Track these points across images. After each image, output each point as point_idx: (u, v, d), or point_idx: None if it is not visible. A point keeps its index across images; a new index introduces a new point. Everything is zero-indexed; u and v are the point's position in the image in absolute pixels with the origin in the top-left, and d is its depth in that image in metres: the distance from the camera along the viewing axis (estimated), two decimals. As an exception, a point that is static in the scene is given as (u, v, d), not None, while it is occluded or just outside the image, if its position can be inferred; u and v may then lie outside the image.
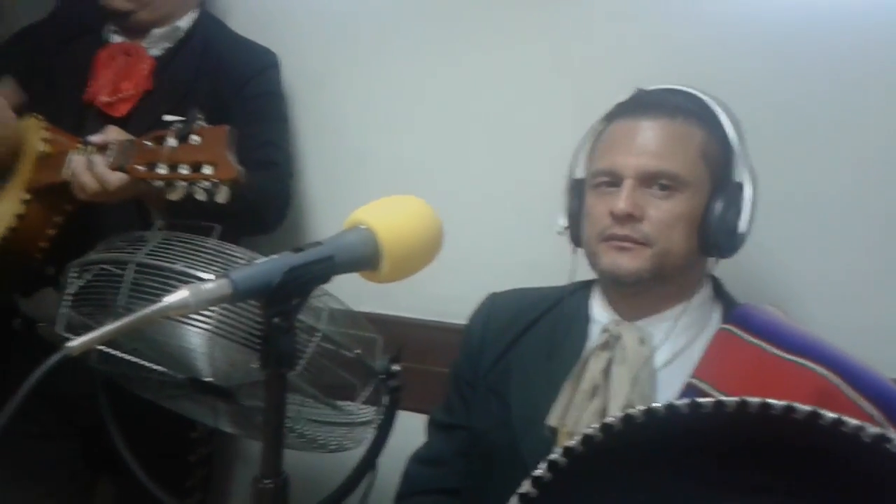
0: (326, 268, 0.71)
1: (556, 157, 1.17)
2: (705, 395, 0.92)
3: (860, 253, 1.28)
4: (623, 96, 1.10)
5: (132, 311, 1.03)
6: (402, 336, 1.21)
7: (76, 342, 0.59)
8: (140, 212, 1.31)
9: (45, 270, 1.30)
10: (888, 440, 0.59)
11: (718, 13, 1.35)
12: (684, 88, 1.07)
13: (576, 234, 1.11)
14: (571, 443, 0.66)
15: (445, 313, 1.50)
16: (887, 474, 0.60)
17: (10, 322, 1.44)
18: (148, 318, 0.62)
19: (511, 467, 0.99)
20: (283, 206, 1.51)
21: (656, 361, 1.03)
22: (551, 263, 1.15)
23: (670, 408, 0.64)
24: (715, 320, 1.07)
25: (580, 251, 1.11)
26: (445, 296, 1.46)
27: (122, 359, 1.10)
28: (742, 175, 1.03)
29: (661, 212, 1.01)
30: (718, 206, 1.02)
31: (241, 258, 1.06)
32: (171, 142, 1.07)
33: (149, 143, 1.10)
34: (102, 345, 1.09)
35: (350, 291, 1.05)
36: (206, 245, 1.07)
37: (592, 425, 0.66)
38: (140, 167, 1.09)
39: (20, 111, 1.37)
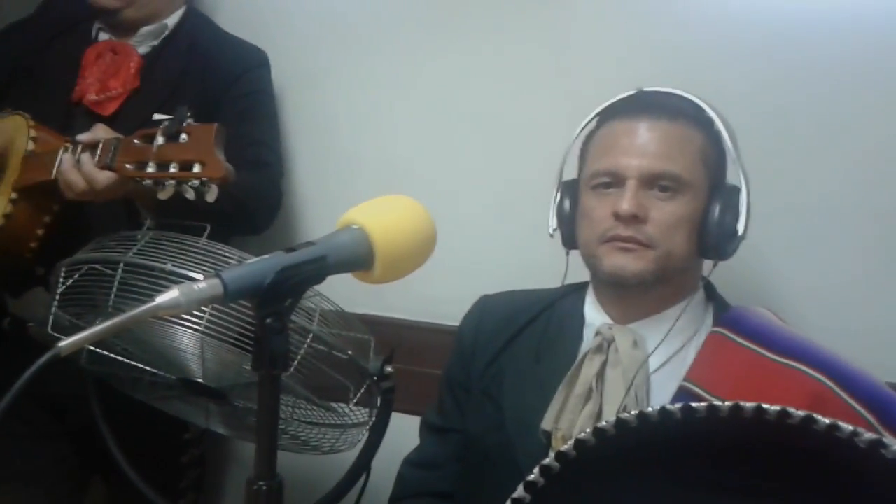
0: (319, 268, 0.71)
1: (547, 159, 1.17)
2: (698, 398, 0.92)
3: (854, 256, 1.28)
4: (618, 96, 1.10)
5: (122, 311, 1.03)
6: (393, 337, 1.21)
7: (66, 342, 0.58)
8: (129, 211, 1.29)
9: (35, 270, 1.29)
10: (884, 446, 0.59)
11: (712, 16, 1.35)
12: (680, 92, 1.07)
13: (568, 235, 1.11)
14: (564, 448, 0.66)
15: (437, 314, 1.50)
16: (881, 479, 0.60)
17: (-1, 322, 1.43)
18: (138, 317, 0.61)
19: (505, 471, 0.99)
20: (273, 205, 1.50)
21: (650, 365, 1.02)
22: (543, 265, 1.15)
23: (664, 412, 0.64)
24: (707, 323, 1.07)
25: (573, 253, 1.10)
26: (437, 297, 1.46)
27: (112, 359, 1.09)
28: (737, 178, 1.04)
29: (664, 213, 1.00)
30: (717, 209, 1.02)
31: (231, 258, 1.06)
32: (160, 140, 1.06)
33: (137, 142, 1.09)
34: (93, 345, 1.09)
35: (342, 292, 1.04)
36: (197, 245, 1.07)
37: (586, 430, 0.66)
38: (128, 166, 1.08)
39: None
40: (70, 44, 1.48)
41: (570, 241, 1.11)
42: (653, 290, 1.03)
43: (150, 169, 1.05)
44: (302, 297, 0.73)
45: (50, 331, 1.12)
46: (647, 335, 1.04)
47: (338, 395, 1.11)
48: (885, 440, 0.60)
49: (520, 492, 0.67)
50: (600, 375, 1.01)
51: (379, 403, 1.01)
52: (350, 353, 1.06)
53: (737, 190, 1.03)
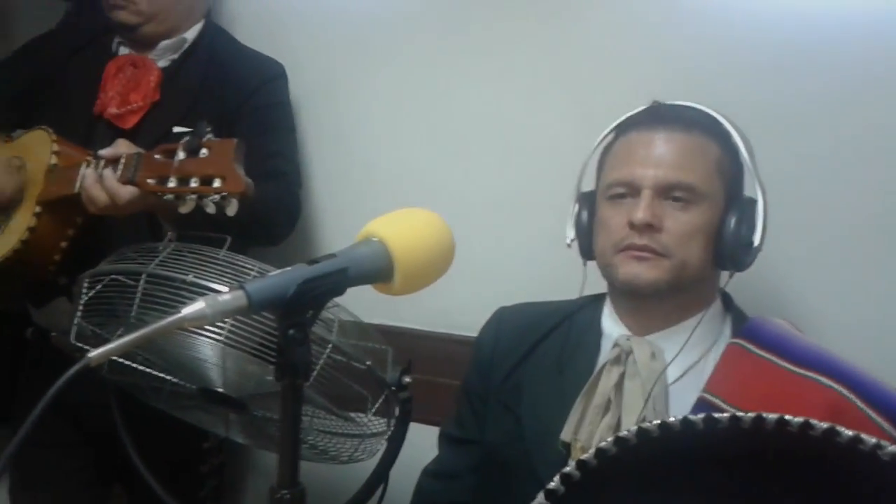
0: (340, 280, 0.72)
1: (562, 168, 1.17)
2: (717, 409, 0.92)
3: (873, 268, 1.27)
4: (636, 109, 1.11)
5: (143, 322, 1.04)
6: (409, 348, 1.22)
7: (96, 352, 0.59)
8: (151, 223, 1.31)
9: (58, 281, 1.31)
10: (908, 458, 0.59)
11: (725, 27, 1.35)
12: (696, 105, 1.08)
13: (586, 247, 1.11)
14: (585, 456, 0.66)
15: (452, 325, 1.51)
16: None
17: (22, 332, 1.45)
18: (165, 328, 0.62)
19: (524, 482, 0.99)
20: (292, 216, 1.51)
21: (668, 376, 1.03)
22: (558, 274, 1.16)
23: (686, 422, 0.64)
24: (726, 334, 1.07)
25: (591, 264, 1.11)
26: (451, 307, 1.46)
27: (133, 369, 1.11)
28: (754, 190, 1.04)
29: (679, 223, 1.01)
30: (733, 220, 1.02)
31: (251, 269, 1.07)
32: (181, 155, 1.07)
33: (158, 157, 1.11)
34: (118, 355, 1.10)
35: (359, 303, 1.05)
36: (217, 256, 1.08)
37: (607, 439, 0.66)
38: (150, 180, 1.10)
39: None
40: (90, 58, 1.51)
41: (587, 253, 1.12)
42: (669, 300, 1.04)
43: (172, 183, 1.07)
44: (324, 308, 0.74)
45: (73, 340, 1.14)
46: (665, 346, 1.04)
47: (355, 405, 1.12)
48: (909, 453, 0.60)
49: (540, 499, 0.67)
50: (619, 387, 1.02)
51: (397, 413, 1.02)
52: (368, 363, 1.06)
53: (754, 201, 1.04)
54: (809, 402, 0.91)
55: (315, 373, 1.03)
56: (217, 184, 1.03)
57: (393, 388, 1.01)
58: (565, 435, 1.03)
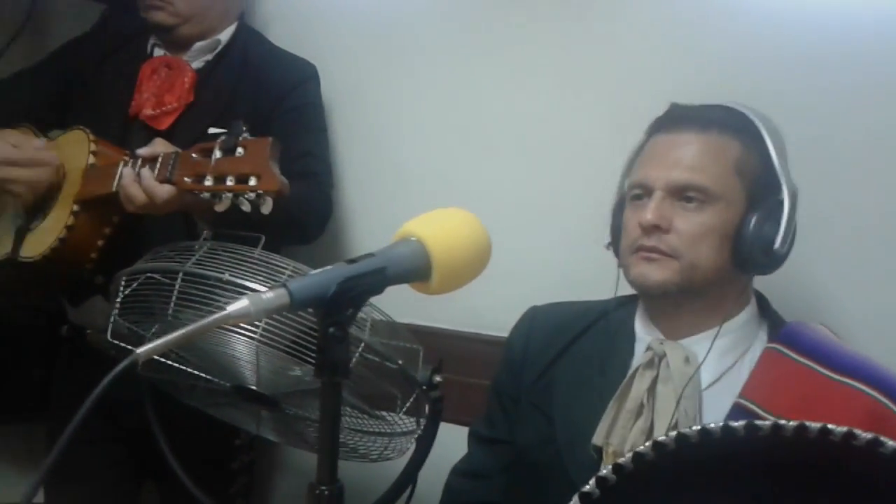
0: (379, 279, 0.73)
1: (592, 168, 1.18)
2: (754, 415, 0.92)
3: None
4: (665, 107, 1.11)
5: (178, 320, 1.05)
6: (438, 347, 1.22)
7: (145, 348, 0.61)
8: (186, 222, 1.33)
9: (94, 280, 1.33)
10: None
11: (756, 24, 1.34)
12: (724, 103, 1.07)
13: (618, 248, 1.11)
14: (622, 460, 0.66)
15: (481, 325, 1.51)
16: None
17: (57, 329, 1.47)
18: (211, 325, 0.63)
19: (556, 484, 1.00)
20: (323, 216, 1.52)
21: (702, 380, 1.02)
22: (587, 274, 1.16)
23: (727, 429, 0.64)
24: (761, 339, 1.06)
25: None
26: (481, 307, 1.46)
27: (169, 366, 1.12)
28: (782, 191, 1.02)
29: (689, 224, 1.01)
30: (753, 222, 1.00)
31: (286, 268, 1.08)
32: (217, 154, 1.09)
33: (195, 156, 1.12)
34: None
35: (388, 302, 1.05)
36: (252, 255, 1.09)
37: (645, 444, 0.65)
38: (187, 179, 1.11)
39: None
40: (125, 59, 1.53)
41: (619, 254, 1.12)
42: (689, 302, 1.03)
43: (208, 182, 1.08)
44: (362, 307, 0.74)
45: (109, 338, 1.15)
46: (698, 351, 1.03)
47: (385, 404, 1.13)
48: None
49: (575, 501, 0.67)
50: (651, 391, 1.01)
51: (427, 413, 1.02)
52: (400, 362, 1.07)
53: (781, 202, 1.01)
54: (848, 409, 0.90)
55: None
56: (253, 182, 1.04)
57: (424, 387, 1.02)
58: (597, 438, 1.03)
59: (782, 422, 0.62)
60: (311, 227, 1.49)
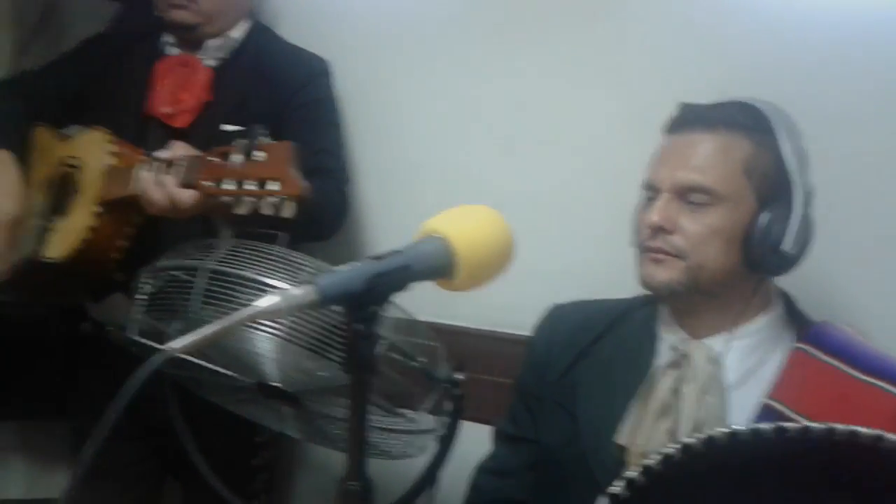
0: (404, 276, 0.73)
1: (611, 166, 1.17)
2: (782, 416, 0.91)
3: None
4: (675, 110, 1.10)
5: (201, 317, 1.06)
6: (458, 345, 1.22)
7: (176, 344, 0.61)
8: (206, 220, 1.33)
9: (116, 277, 1.34)
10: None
11: (774, 22, 1.33)
12: (739, 100, 1.06)
13: None
14: (650, 461, 0.66)
15: (502, 323, 1.50)
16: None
17: (78, 325, 1.48)
18: (241, 321, 0.64)
19: (581, 483, 1.00)
20: (340, 213, 1.51)
21: (727, 381, 1.01)
22: (609, 272, 1.15)
23: (756, 432, 0.63)
24: (787, 339, 1.05)
25: None
26: (502, 305, 1.45)
27: (192, 363, 1.13)
28: (802, 189, 1.01)
29: (695, 225, 1.00)
30: (762, 222, 0.99)
31: (306, 265, 1.08)
32: (237, 158, 1.09)
33: (215, 159, 1.13)
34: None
35: (407, 300, 1.05)
36: (273, 252, 1.10)
37: (672, 445, 0.65)
38: (208, 183, 1.11)
39: None
40: (139, 57, 1.53)
41: None
42: (704, 302, 1.03)
43: (229, 186, 1.08)
44: (387, 303, 0.75)
45: (132, 335, 1.16)
46: (722, 351, 1.03)
47: (405, 401, 1.13)
48: None
49: (603, 503, 0.67)
50: (676, 391, 1.01)
51: (449, 410, 1.03)
52: (422, 359, 1.07)
53: (797, 202, 1.00)
54: (876, 410, 0.90)
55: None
56: (274, 186, 1.05)
57: (446, 385, 1.03)
58: (621, 439, 1.03)
59: (811, 425, 0.62)
60: (327, 224, 1.49)
